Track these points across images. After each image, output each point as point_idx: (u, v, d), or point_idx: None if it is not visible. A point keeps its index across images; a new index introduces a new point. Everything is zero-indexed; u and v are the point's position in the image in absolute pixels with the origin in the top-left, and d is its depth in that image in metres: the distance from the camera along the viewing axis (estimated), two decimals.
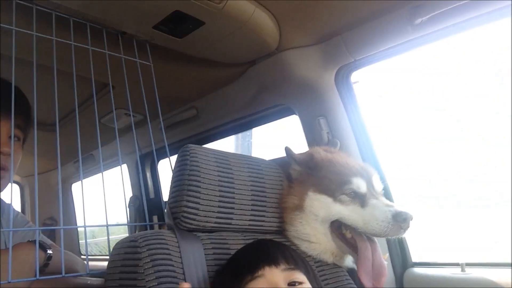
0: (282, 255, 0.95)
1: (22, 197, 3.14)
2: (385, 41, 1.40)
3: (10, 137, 1.29)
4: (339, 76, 1.59)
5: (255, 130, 2.38)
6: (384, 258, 1.23)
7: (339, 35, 1.46)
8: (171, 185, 1.13)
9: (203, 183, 1.10)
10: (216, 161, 1.17)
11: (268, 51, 1.58)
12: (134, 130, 1.66)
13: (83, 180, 3.11)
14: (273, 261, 0.93)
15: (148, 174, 2.58)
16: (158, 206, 1.58)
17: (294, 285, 0.91)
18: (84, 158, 2.76)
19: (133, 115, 2.11)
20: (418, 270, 1.50)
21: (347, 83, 1.60)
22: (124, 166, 2.62)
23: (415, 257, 1.55)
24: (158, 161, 2.48)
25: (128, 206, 2.33)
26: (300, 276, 0.93)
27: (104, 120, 2.22)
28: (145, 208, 1.49)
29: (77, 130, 1.34)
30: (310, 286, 0.94)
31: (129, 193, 2.63)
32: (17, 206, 3.14)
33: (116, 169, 2.67)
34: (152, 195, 2.55)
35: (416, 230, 1.45)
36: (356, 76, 1.60)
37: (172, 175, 1.14)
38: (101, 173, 2.70)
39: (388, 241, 1.53)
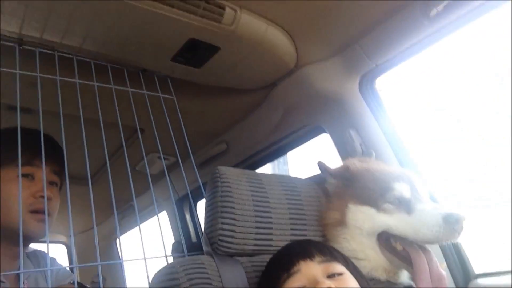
0: (316, 248, 0.90)
1: (69, 257, 3.19)
2: (403, 40, 1.36)
3: (50, 183, 1.37)
4: (363, 84, 1.55)
5: (290, 157, 2.36)
6: (442, 268, 1.14)
7: (356, 42, 1.44)
8: (205, 211, 1.10)
9: (237, 203, 1.06)
10: (248, 181, 1.14)
11: (286, 70, 1.57)
12: (167, 173, 1.66)
13: (129, 232, 3.15)
14: (307, 255, 0.88)
15: (188, 217, 2.57)
16: (201, 249, 1.57)
17: (334, 276, 0.85)
18: (126, 209, 2.80)
19: (165, 158, 2.13)
20: (483, 280, 1.38)
21: (372, 90, 1.56)
22: (165, 213, 2.64)
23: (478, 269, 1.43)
24: (196, 202, 2.48)
25: (171, 253, 2.31)
26: (339, 267, 0.88)
27: (139, 167, 2.24)
28: (185, 249, 1.46)
29: (110, 180, 1.35)
30: (351, 276, 0.88)
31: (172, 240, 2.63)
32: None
33: (161, 216, 2.68)
34: (194, 239, 2.52)
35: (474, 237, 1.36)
36: (380, 84, 1.56)
37: (205, 201, 1.11)
38: (140, 222, 2.73)
39: (444, 254, 1.43)
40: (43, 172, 1.15)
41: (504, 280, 1.34)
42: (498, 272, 1.40)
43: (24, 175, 1.30)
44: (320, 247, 0.92)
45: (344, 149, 1.59)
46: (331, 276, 0.86)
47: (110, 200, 1.80)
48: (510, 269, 1.37)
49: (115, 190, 1.44)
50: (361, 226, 1.18)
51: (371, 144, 1.53)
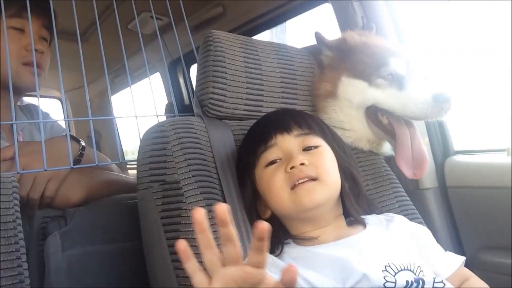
0: (294, 121, 0.91)
1: (64, 112, 3.24)
2: None
3: (40, 38, 1.35)
4: None
5: (289, 27, 2.27)
6: (424, 143, 1.18)
7: None
8: (196, 74, 1.10)
9: (228, 68, 1.05)
10: (242, 46, 1.11)
11: None
12: (159, 34, 1.61)
13: (125, 90, 3.16)
14: (284, 128, 0.89)
15: (181, 80, 2.57)
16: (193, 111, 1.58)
17: (310, 149, 0.88)
18: (119, 68, 2.77)
19: (157, 18, 2.05)
20: (460, 158, 1.44)
21: None
22: (158, 74, 2.62)
23: (457, 146, 1.49)
24: (189, 66, 2.45)
25: (164, 113, 2.35)
26: (315, 140, 0.90)
27: (131, 26, 2.16)
28: (176, 110, 1.48)
29: (99, 38, 1.30)
30: (328, 147, 0.91)
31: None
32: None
33: (154, 77, 2.67)
34: (187, 102, 2.55)
35: (457, 116, 1.39)
36: None
37: (197, 64, 1.10)
38: (134, 82, 2.73)
39: (428, 129, 1.47)
40: (29, 25, 1.10)
41: (479, 158, 1.40)
42: (475, 150, 1.47)
43: (14, 28, 1.28)
44: (299, 120, 0.92)
45: (345, 21, 1.52)
46: (307, 149, 0.88)
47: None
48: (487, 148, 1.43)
49: (108, 48, 1.40)
50: (351, 98, 1.19)
51: (373, 18, 1.46)
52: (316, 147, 0.88)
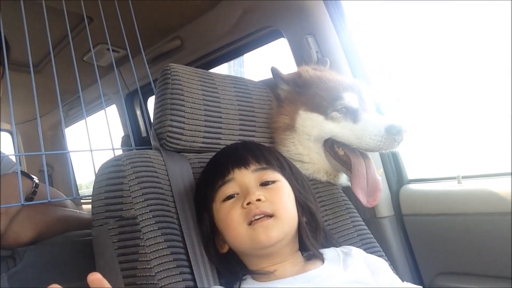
0: (252, 155, 0.91)
1: (14, 146, 3.11)
2: None
3: None
4: None
5: (247, 60, 2.31)
6: (379, 173, 1.21)
7: None
8: (154, 107, 1.09)
9: (187, 101, 1.05)
10: (200, 80, 1.12)
11: None
12: (115, 66, 1.59)
13: (78, 124, 3.09)
14: (242, 163, 0.89)
15: (138, 112, 2.54)
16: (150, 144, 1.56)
17: (268, 184, 0.88)
18: (73, 100, 2.71)
19: (114, 50, 2.04)
20: (414, 186, 1.49)
21: None
22: (114, 107, 2.58)
23: (411, 175, 1.54)
24: (146, 98, 2.43)
25: (121, 146, 2.30)
26: (273, 175, 0.90)
27: (87, 58, 2.14)
28: (132, 143, 1.45)
29: (53, 70, 1.28)
30: (286, 182, 0.91)
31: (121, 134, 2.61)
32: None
33: (110, 109, 2.63)
34: (144, 134, 2.52)
35: (410, 147, 1.44)
36: None
37: (155, 97, 1.09)
38: (89, 114, 2.67)
39: (383, 159, 1.52)
40: None
41: (431, 186, 1.45)
42: (428, 178, 1.52)
43: None
44: (257, 154, 0.92)
45: (300, 56, 1.57)
46: (264, 184, 0.88)
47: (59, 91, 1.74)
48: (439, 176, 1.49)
49: (62, 80, 1.37)
50: (309, 132, 1.21)
51: (327, 53, 1.52)
52: (273, 182, 0.89)
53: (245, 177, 0.87)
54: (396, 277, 0.94)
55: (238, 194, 0.86)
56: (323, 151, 1.23)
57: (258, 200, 0.83)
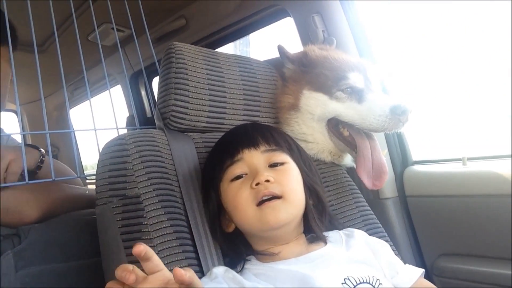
0: (262, 136, 0.91)
1: (19, 125, 3.13)
2: None
3: None
4: None
5: (252, 40, 2.29)
6: (383, 154, 1.20)
7: None
8: (158, 86, 1.08)
9: (191, 81, 1.05)
10: (204, 59, 1.11)
11: None
12: (119, 46, 1.58)
13: (84, 103, 3.09)
14: (252, 144, 0.89)
15: (143, 93, 2.53)
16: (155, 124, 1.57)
17: (276, 166, 0.88)
18: (78, 80, 2.71)
19: (118, 30, 2.03)
20: (418, 167, 1.49)
21: None
22: (119, 87, 2.57)
23: (416, 156, 1.53)
24: (151, 78, 2.42)
25: (126, 126, 2.31)
26: (282, 157, 0.90)
27: (92, 38, 2.13)
28: (137, 122, 1.45)
29: (57, 49, 1.27)
30: (294, 165, 0.91)
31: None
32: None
33: (115, 90, 2.63)
34: (149, 115, 2.51)
35: (415, 128, 1.43)
36: None
37: (159, 76, 1.09)
38: (94, 95, 2.67)
39: (387, 141, 1.51)
40: None
41: (436, 168, 1.45)
42: (433, 160, 1.52)
43: None
44: (266, 135, 0.92)
45: (306, 35, 1.56)
46: (273, 165, 0.88)
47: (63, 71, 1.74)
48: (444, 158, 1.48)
49: (67, 60, 1.37)
50: (313, 111, 1.21)
51: (333, 32, 1.50)
52: (282, 163, 0.89)
53: (254, 158, 0.87)
54: (397, 259, 0.94)
55: (246, 174, 0.86)
56: (327, 130, 1.23)
57: (267, 181, 0.83)
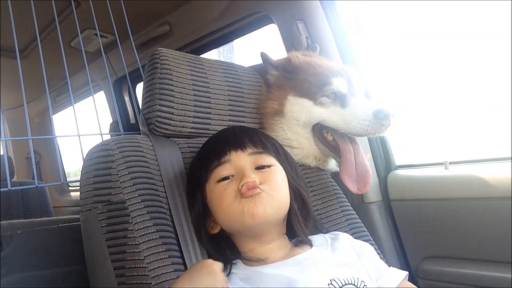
0: (249, 139, 0.92)
1: (0, 131, 3.08)
2: None
3: None
4: None
5: (236, 46, 2.30)
6: (367, 158, 1.22)
7: None
8: (143, 91, 1.08)
9: (176, 86, 1.05)
10: (189, 64, 1.11)
11: None
12: (103, 51, 1.57)
13: (67, 110, 3.05)
14: (239, 146, 0.90)
15: (127, 99, 2.52)
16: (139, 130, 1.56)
17: (263, 168, 0.88)
18: (61, 86, 2.68)
19: (102, 35, 2.02)
20: (402, 172, 1.51)
21: None
22: (102, 93, 2.55)
23: (399, 161, 1.55)
24: (135, 84, 2.41)
25: (109, 132, 2.29)
26: (268, 159, 0.91)
27: (75, 44, 2.11)
28: (121, 128, 1.45)
29: (40, 55, 1.26)
30: (280, 168, 0.92)
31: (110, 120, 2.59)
32: None
33: (98, 96, 2.61)
34: (133, 121, 2.50)
35: (398, 133, 1.45)
36: None
37: (144, 81, 1.09)
38: (77, 100, 2.65)
39: (371, 145, 1.53)
40: None
41: (419, 172, 1.47)
42: (416, 164, 1.54)
43: None
44: (254, 138, 0.93)
45: (290, 42, 1.57)
46: (259, 167, 0.89)
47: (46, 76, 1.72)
48: (427, 162, 1.50)
49: (50, 66, 1.35)
50: (298, 117, 1.22)
51: (316, 39, 1.52)
52: (268, 166, 0.89)
53: (241, 160, 0.88)
54: (382, 261, 0.95)
55: (233, 176, 0.87)
56: (312, 136, 1.24)
57: (253, 182, 0.83)
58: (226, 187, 0.85)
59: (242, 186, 0.82)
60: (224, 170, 0.87)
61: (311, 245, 0.89)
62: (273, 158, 0.92)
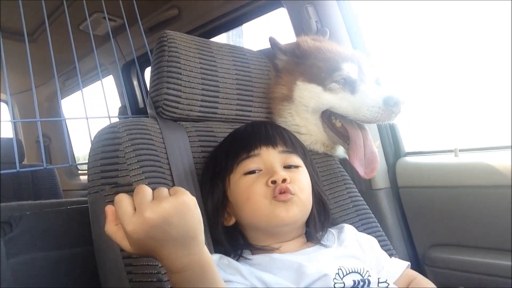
0: (280, 137, 0.92)
1: (10, 115, 3.10)
2: None
3: None
4: None
5: (245, 30, 2.28)
6: (375, 145, 1.21)
7: None
8: (151, 74, 1.08)
9: (184, 69, 1.04)
10: (197, 48, 1.10)
11: None
12: (111, 35, 1.57)
13: (73, 95, 3.07)
14: (270, 142, 0.89)
15: (135, 83, 2.52)
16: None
17: (290, 168, 0.88)
18: (70, 70, 2.69)
19: (110, 19, 2.01)
20: (411, 159, 1.50)
21: None
22: (111, 77, 2.56)
23: (408, 148, 1.54)
24: (144, 68, 2.40)
25: (118, 116, 2.29)
26: (297, 160, 0.90)
27: (83, 27, 2.11)
28: (129, 111, 1.45)
29: (48, 38, 1.25)
30: (306, 170, 0.91)
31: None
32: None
33: (107, 80, 2.61)
34: (141, 105, 2.50)
35: (408, 119, 1.44)
36: None
37: (152, 64, 1.08)
38: (86, 85, 2.65)
39: (380, 132, 1.51)
40: None
41: (428, 159, 1.45)
42: (425, 151, 1.52)
43: None
44: (284, 137, 0.93)
45: (300, 26, 1.55)
46: (287, 167, 0.88)
47: (55, 61, 1.72)
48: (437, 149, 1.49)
49: (58, 50, 1.35)
50: (307, 103, 1.20)
51: (327, 23, 1.49)
52: (296, 167, 0.89)
53: (271, 156, 0.87)
54: (384, 253, 0.96)
55: (261, 170, 0.86)
56: (321, 122, 1.23)
57: (284, 180, 0.83)
58: (255, 182, 0.84)
59: (276, 189, 0.82)
60: (252, 163, 0.87)
61: (320, 241, 0.89)
62: (300, 159, 0.92)
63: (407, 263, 0.95)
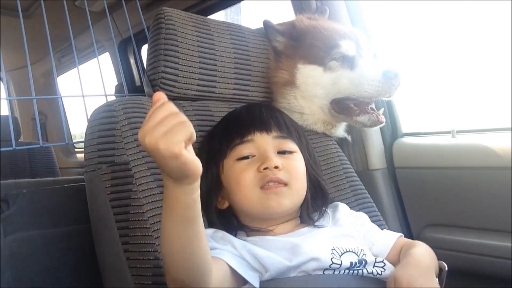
0: (275, 121, 0.91)
1: (5, 90, 3.07)
2: None
3: None
4: None
5: (244, 7, 2.25)
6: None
7: None
8: (147, 52, 1.06)
9: (181, 47, 1.03)
10: (195, 25, 1.09)
11: None
12: (107, 11, 1.54)
13: (69, 72, 3.04)
14: (264, 127, 0.89)
15: (132, 61, 2.49)
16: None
17: (284, 153, 0.88)
18: (66, 47, 2.65)
19: None
20: (408, 140, 1.49)
21: None
22: (107, 54, 2.53)
23: (405, 128, 1.54)
24: (141, 45, 2.37)
25: (115, 94, 2.27)
26: (291, 145, 0.90)
27: (79, 3, 2.07)
28: (125, 90, 1.43)
29: (43, 14, 1.23)
30: (301, 155, 0.91)
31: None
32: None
33: (103, 57, 2.58)
34: (138, 83, 2.48)
35: (405, 100, 1.43)
36: None
37: (148, 42, 1.07)
38: (82, 62, 2.62)
39: None
40: None
41: (426, 140, 1.46)
42: (422, 132, 1.52)
43: None
44: (279, 121, 0.92)
45: (299, 4, 1.52)
46: (282, 152, 0.88)
47: (50, 37, 1.69)
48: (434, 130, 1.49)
49: (54, 25, 1.33)
50: (312, 90, 1.20)
51: (327, 1, 1.47)
52: (290, 152, 0.89)
53: (265, 142, 0.87)
54: (375, 225, 0.96)
55: (254, 156, 0.86)
56: (327, 108, 1.22)
57: (276, 167, 0.83)
58: (246, 168, 0.84)
59: (266, 178, 0.82)
60: (245, 149, 0.87)
61: (314, 222, 0.89)
62: (295, 144, 0.91)
63: (399, 234, 0.95)
